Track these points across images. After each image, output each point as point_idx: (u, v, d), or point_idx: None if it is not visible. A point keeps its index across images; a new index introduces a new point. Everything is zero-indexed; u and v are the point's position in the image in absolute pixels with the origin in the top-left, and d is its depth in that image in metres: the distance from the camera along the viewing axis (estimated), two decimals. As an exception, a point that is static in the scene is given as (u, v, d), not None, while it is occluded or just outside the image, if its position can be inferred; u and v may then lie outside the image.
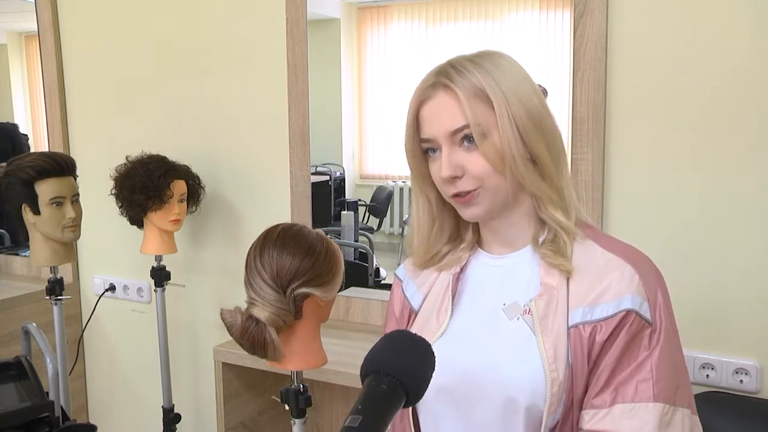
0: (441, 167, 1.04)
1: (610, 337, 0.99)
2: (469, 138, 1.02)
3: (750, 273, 1.64)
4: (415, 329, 1.16)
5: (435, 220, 1.14)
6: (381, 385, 0.73)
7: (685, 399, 1.01)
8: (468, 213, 1.06)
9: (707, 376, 1.70)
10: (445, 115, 1.03)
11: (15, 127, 3.06)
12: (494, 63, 1.04)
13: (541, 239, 1.08)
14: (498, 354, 1.05)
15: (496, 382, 1.04)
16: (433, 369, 0.78)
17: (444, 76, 1.04)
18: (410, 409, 1.14)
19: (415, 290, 1.20)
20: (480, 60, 1.04)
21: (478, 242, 1.15)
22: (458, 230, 1.16)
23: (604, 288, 1.01)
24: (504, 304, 1.08)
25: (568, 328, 1.01)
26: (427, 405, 1.11)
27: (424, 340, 0.80)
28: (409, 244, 1.18)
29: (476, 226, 1.15)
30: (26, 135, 3.03)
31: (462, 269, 1.14)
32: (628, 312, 0.99)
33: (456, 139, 1.03)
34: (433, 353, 0.79)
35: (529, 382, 1.01)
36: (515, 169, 1.02)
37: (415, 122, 1.08)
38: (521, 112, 1.01)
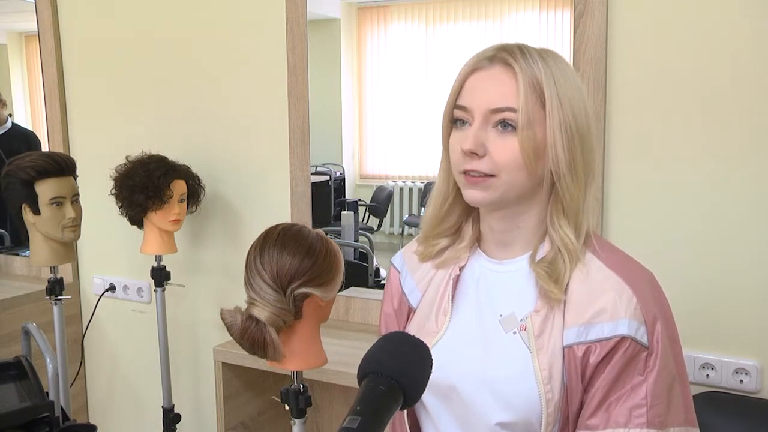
0: (465, 138, 0.99)
1: (604, 359, 0.98)
2: (506, 123, 0.98)
3: (750, 273, 1.64)
4: (412, 327, 1.15)
5: (448, 197, 1.10)
6: (379, 386, 0.72)
7: (679, 417, 0.99)
8: (474, 195, 1.01)
9: (707, 376, 1.70)
10: (494, 89, 0.98)
11: (34, 135, 3.06)
12: (559, 66, 1.00)
13: (540, 255, 1.04)
14: (494, 369, 1.03)
15: (491, 397, 1.03)
16: (431, 371, 0.78)
17: (508, 53, 0.99)
18: (406, 412, 1.14)
19: (414, 287, 1.18)
20: (546, 56, 1.00)
21: (477, 240, 1.13)
22: (461, 223, 1.12)
23: (601, 308, 0.99)
24: (501, 315, 1.05)
25: (563, 348, 1.00)
26: (427, 409, 1.11)
27: (422, 342, 0.79)
28: (424, 217, 1.15)
29: (477, 223, 1.12)
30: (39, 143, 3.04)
31: (461, 270, 1.12)
32: (624, 338, 0.97)
33: (493, 118, 0.98)
34: (430, 355, 0.78)
35: (524, 401, 1.00)
36: (556, 172, 0.99)
37: (459, 89, 1.02)
38: (572, 120, 0.99)
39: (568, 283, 1.01)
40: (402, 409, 0.74)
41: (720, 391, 1.68)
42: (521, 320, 1.03)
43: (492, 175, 0.99)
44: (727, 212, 1.65)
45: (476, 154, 0.98)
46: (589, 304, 0.99)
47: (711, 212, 1.67)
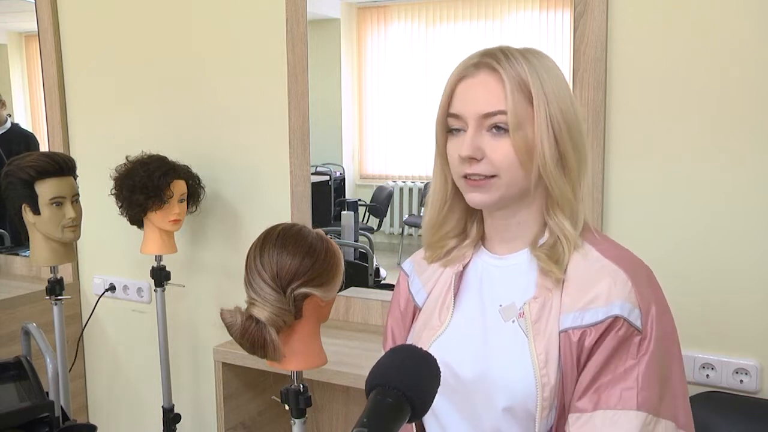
0: (462, 145, 1.02)
1: (597, 341, 0.99)
2: (498, 126, 1.01)
3: (750, 273, 1.64)
4: (417, 326, 1.17)
5: (446, 201, 1.12)
6: (387, 398, 0.72)
7: (671, 411, 0.99)
8: (475, 198, 1.05)
9: (707, 376, 1.70)
10: (483, 95, 1.01)
11: (33, 136, 3.06)
12: (541, 62, 1.03)
13: (540, 242, 1.07)
14: (492, 356, 1.05)
15: (489, 384, 1.04)
16: (438, 383, 0.78)
17: (491, 58, 1.02)
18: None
19: (420, 287, 1.20)
20: (528, 54, 1.03)
21: (481, 239, 1.15)
22: (465, 223, 1.15)
23: (596, 293, 1.00)
24: (500, 306, 1.08)
25: (559, 333, 1.01)
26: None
27: (430, 354, 0.79)
28: (423, 223, 1.17)
29: (481, 222, 1.14)
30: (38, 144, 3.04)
31: (465, 267, 1.14)
32: (617, 318, 0.98)
33: (485, 122, 1.01)
34: (438, 368, 0.79)
35: (520, 386, 1.01)
36: (543, 168, 1.01)
37: (449, 98, 1.05)
38: (558, 114, 1.01)
39: (567, 266, 1.04)
40: (410, 422, 0.74)
41: (720, 391, 1.68)
42: (519, 308, 1.05)
43: (493, 176, 1.02)
44: (727, 212, 1.65)
45: (474, 158, 1.01)
46: (586, 291, 1.01)
47: (711, 212, 1.67)
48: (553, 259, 1.04)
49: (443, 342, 1.10)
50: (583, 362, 1.00)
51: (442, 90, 1.07)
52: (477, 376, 1.05)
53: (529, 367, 1.00)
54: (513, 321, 1.05)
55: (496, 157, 1.01)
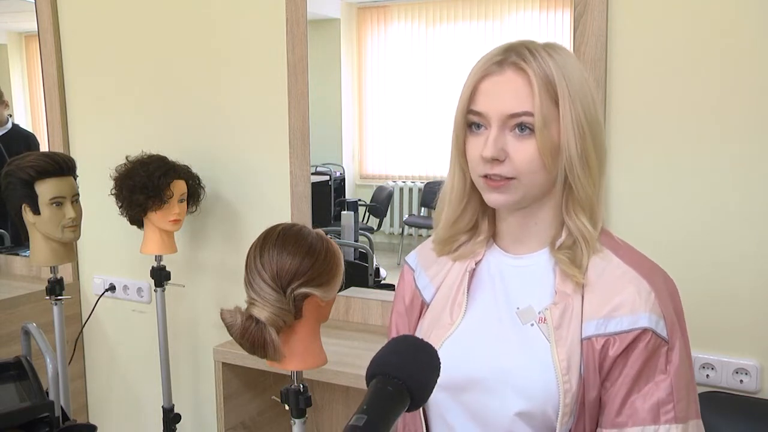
0: (485, 145, 1.00)
1: (624, 352, 0.99)
2: (523, 126, 0.99)
3: (750, 273, 1.64)
4: (426, 322, 1.15)
5: (464, 198, 1.10)
6: (387, 387, 0.73)
7: (694, 409, 1.01)
8: (494, 199, 1.03)
9: (707, 376, 1.70)
10: (509, 96, 0.99)
11: (34, 136, 3.07)
12: (567, 60, 1.01)
13: (558, 242, 1.05)
14: (511, 359, 1.04)
15: (508, 387, 1.03)
16: (438, 374, 0.78)
17: (517, 56, 1.00)
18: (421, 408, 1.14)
19: (428, 282, 1.18)
20: (552, 51, 1.01)
21: (493, 236, 1.13)
22: (477, 218, 1.13)
23: (620, 302, 1.00)
24: (518, 308, 1.06)
25: (581, 340, 1.01)
26: (437, 402, 1.11)
27: (430, 345, 0.80)
28: (438, 215, 1.14)
29: (493, 218, 1.13)
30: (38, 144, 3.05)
31: (477, 264, 1.12)
32: (645, 330, 0.98)
33: (510, 123, 0.99)
34: (438, 358, 0.79)
35: (542, 391, 1.00)
36: (570, 169, 1.00)
37: (471, 94, 1.02)
38: (581, 115, 1.00)
39: (587, 271, 1.03)
40: (409, 410, 0.75)
41: (720, 391, 1.68)
42: (539, 313, 1.04)
43: (513, 178, 1.01)
44: (727, 212, 1.65)
45: (498, 159, 1.00)
46: (609, 299, 1.01)
47: (711, 212, 1.67)
48: (574, 263, 1.02)
49: (455, 341, 1.09)
50: (607, 370, 1.00)
51: (463, 85, 1.04)
52: (491, 378, 1.04)
53: (551, 373, 1.00)
54: (532, 324, 1.04)
55: (518, 158, 0.99)
